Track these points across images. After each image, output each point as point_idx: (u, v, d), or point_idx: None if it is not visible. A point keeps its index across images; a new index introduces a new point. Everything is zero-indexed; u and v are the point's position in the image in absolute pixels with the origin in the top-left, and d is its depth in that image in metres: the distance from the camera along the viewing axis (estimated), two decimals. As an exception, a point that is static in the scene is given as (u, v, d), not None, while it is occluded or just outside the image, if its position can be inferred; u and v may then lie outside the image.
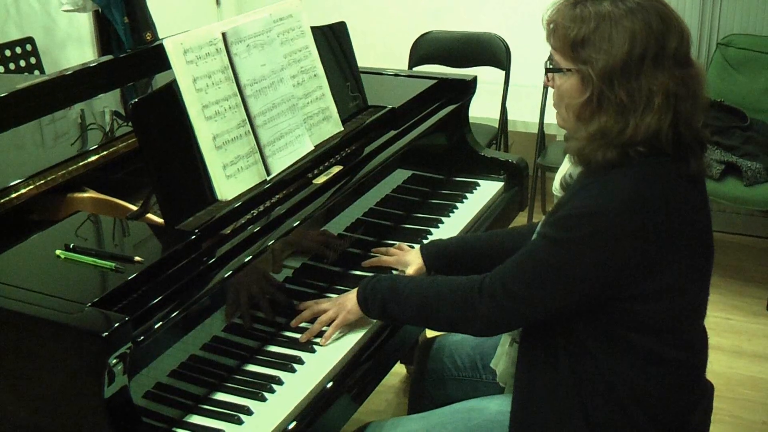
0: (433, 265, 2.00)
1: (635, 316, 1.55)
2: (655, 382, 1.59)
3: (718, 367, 3.02)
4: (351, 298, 1.78)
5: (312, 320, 1.83)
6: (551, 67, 1.60)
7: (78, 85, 2.34)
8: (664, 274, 1.53)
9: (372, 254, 2.12)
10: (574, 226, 1.52)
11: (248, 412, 1.59)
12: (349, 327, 1.82)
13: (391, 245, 2.17)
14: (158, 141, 1.72)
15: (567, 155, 1.65)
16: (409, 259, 2.02)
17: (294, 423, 1.60)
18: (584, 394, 1.60)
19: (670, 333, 1.58)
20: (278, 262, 1.83)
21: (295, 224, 1.84)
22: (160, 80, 2.43)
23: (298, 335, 1.81)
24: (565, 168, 1.68)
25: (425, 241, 2.21)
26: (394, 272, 2.04)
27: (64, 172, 1.88)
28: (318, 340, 1.78)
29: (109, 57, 2.71)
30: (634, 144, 1.51)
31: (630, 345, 1.57)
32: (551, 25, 1.59)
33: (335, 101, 2.18)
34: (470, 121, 2.69)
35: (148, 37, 3.60)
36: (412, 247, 2.12)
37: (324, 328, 1.80)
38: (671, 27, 1.52)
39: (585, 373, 1.59)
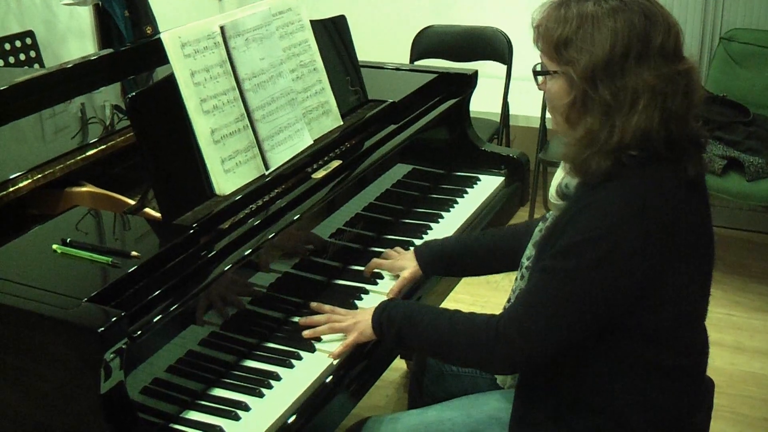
0: (428, 269, 1.99)
1: (636, 327, 1.54)
2: (655, 388, 1.58)
3: (719, 363, 3.01)
4: (367, 320, 1.75)
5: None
6: (539, 69, 1.60)
7: (78, 78, 2.33)
8: (668, 283, 1.52)
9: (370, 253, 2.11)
10: (579, 253, 1.49)
11: (245, 408, 1.58)
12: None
13: (391, 241, 2.16)
14: (156, 135, 1.71)
15: (562, 162, 1.64)
16: (404, 264, 2.00)
17: (292, 419, 1.59)
18: (584, 400, 1.59)
19: (670, 340, 1.57)
20: (276, 257, 1.82)
21: (293, 219, 1.83)
22: (160, 74, 2.42)
23: (295, 330, 1.80)
24: (561, 176, 1.66)
25: (425, 236, 2.21)
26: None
27: (62, 166, 1.88)
28: (322, 347, 1.76)
29: (110, 51, 2.70)
30: (626, 148, 1.49)
31: (630, 354, 1.56)
32: (539, 28, 1.58)
33: (335, 95, 2.17)
34: (472, 115, 2.68)
35: (149, 31, 3.59)
36: (407, 248, 2.11)
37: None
38: (656, 23, 1.50)
39: (585, 380, 1.58)
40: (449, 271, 2.05)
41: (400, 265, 2.00)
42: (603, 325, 1.53)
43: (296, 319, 1.84)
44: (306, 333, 1.78)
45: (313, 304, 1.87)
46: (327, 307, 1.85)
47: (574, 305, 1.51)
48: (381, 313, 1.74)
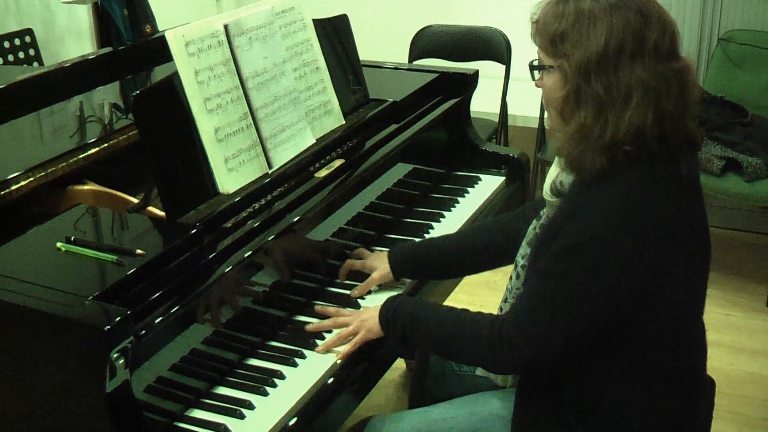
0: (399, 270, 1.97)
1: (638, 329, 1.54)
2: (656, 390, 1.58)
3: (718, 363, 3.02)
4: (374, 316, 1.76)
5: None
6: (535, 64, 1.61)
7: (77, 77, 2.33)
8: (669, 284, 1.52)
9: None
10: (577, 257, 1.50)
11: (250, 406, 1.58)
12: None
13: (393, 240, 2.17)
14: (159, 134, 1.71)
15: (556, 159, 1.65)
16: (375, 264, 1.99)
17: (296, 418, 1.59)
18: (586, 402, 1.60)
19: (672, 343, 1.58)
20: (280, 256, 1.82)
21: (296, 218, 1.83)
22: (159, 73, 2.42)
23: (299, 329, 1.80)
24: (555, 173, 1.67)
25: (427, 236, 2.21)
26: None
27: (64, 164, 1.87)
28: (337, 349, 1.76)
29: (108, 49, 2.70)
30: (620, 144, 1.49)
31: (631, 356, 1.56)
32: (537, 23, 1.59)
33: (337, 95, 2.17)
34: (470, 115, 2.68)
35: (148, 30, 3.58)
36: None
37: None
38: (651, 22, 1.51)
39: (586, 383, 1.59)
40: (422, 273, 2.03)
41: (371, 265, 2.00)
42: (608, 328, 1.53)
43: (301, 318, 1.84)
44: (309, 327, 1.79)
45: (318, 308, 1.87)
46: (332, 309, 1.86)
47: (575, 308, 1.51)
48: (387, 311, 1.74)
